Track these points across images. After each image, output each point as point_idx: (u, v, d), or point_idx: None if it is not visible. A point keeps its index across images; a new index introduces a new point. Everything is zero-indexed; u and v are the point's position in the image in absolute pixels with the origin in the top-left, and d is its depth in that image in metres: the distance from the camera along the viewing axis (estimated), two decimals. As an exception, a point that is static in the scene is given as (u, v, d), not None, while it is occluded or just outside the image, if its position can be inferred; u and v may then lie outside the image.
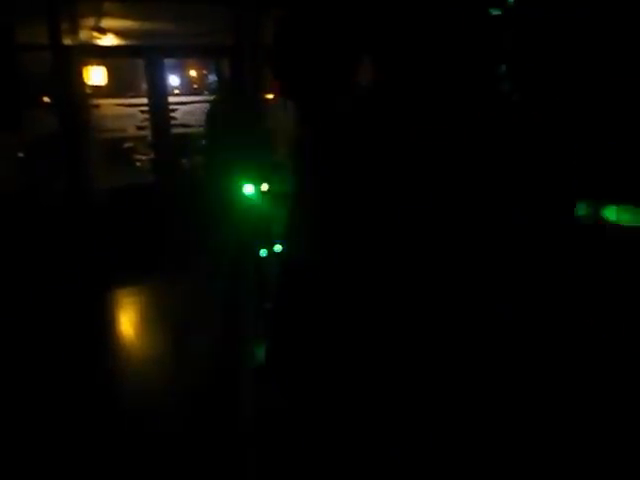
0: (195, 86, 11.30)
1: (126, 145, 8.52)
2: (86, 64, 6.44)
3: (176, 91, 9.35)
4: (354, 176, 1.48)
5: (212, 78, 9.01)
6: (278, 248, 4.62)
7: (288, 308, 1.62)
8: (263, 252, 4.61)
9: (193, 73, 11.52)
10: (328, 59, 1.53)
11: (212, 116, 6.91)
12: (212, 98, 7.18)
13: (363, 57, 1.61)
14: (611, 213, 2.90)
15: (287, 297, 1.63)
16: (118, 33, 6.83)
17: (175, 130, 7.10)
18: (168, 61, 7.42)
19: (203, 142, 7.40)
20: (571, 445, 2.34)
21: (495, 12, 2.96)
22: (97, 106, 6.79)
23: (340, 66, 1.55)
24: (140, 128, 7.34)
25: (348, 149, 1.49)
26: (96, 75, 6.87)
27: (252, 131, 6.61)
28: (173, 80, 9.58)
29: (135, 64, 8.43)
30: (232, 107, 7.00)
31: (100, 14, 6.27)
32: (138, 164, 8.42)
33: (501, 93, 2.96)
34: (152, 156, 7.70)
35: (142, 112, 7.13)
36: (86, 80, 6.44)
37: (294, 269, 1.60)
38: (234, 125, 7.02)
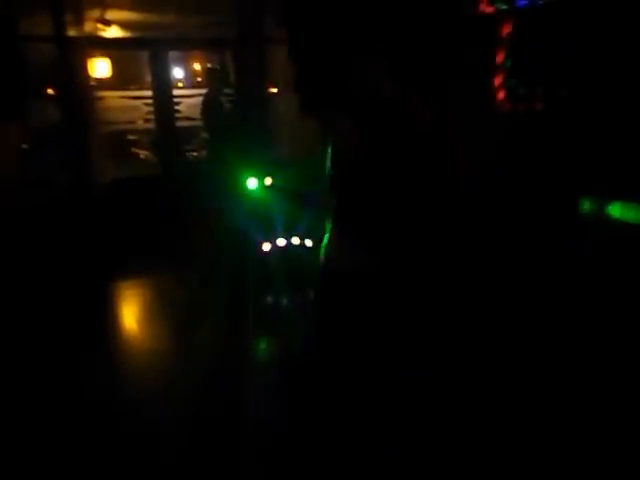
0: (199, 79, 11.28)
1: (130, 137, 8.52)
2: (90, 56, 6.43)
3: (180, 84, 9.33)
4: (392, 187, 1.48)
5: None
6: (281, 242, 4.62)
7: (330, 300, 1.67)
8: (266, 246, 4.61)
9: (197, 66, 11.49)
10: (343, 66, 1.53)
11: (207, 109, 6.97)
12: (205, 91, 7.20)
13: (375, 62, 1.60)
14: (615, 210, 2.89)
15: (329, 293, 1.69)
16: (122, 25, 6.81)
17: (179, 123, 7.10)
18: (172, 54, 7.41)
19: (205, 135, 7.45)
20: (565, 440, 2.35)
21: (502, 7, 2.95)
22: (101, 98, 6.79)
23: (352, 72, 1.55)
24: (144, 121, 7.34)
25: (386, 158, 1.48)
26: (100, 67, 6.87)
27: (252, 125, 6.63)
28: (177, 73, 9.56)
29: (139, 56, 8.42)
30: (228, 100, 7.06)
31: (104, 6, 6.26)
32: (142, 156, 8.43)
33: (505, 89, 2.94)
34: (156, 148, 7.70)
35: (146, 105, 7.13)
36: (90, 72, 6.43)
37: (337, 275, 1.65)
38: (234, 119, 7.07)
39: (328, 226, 1.74)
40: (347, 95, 1.51)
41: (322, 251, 1.78)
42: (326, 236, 1.75)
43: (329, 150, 1.71)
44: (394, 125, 1.50)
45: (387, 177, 1.52)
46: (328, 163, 1.73)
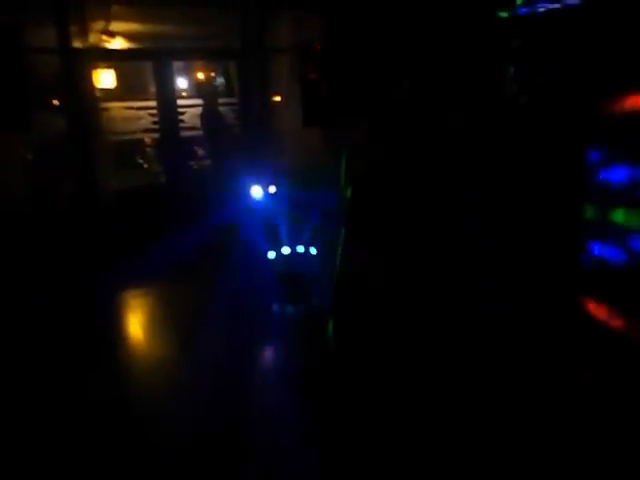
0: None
1: (134, 147, 8.55)
2: (95, 67, 6.49)
3: (184, 94, 9.38)
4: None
5: (220, 81, 9.05)
6: (286, 250, 4.63)
7: (347, 307, 1.73)
8: (271, 254, 4.63)
9: (201, 76, 11.55)
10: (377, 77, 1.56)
11: (205, 121, 7.11)
12: (203, 102, 7.33)
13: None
14: (619, 216, 2.89)
15: (345, 300, 1.73)
16: (127, 36, 6.87)
17: (183, 132, 7.14)
18: (176, 64, 7.46)
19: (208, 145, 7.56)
20: (565, 441, 2.33)
21: (503, 15, 2.97)
22: (106, 109, 6.83)
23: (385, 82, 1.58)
24: (148, 130, 7.38)
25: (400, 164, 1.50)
26: (105, 78, 6.92)
27: (255, 134, 6.69)
28: (181, 83, 9.61)
29: (144, 67, 8.47)
30: (230, 110, 7.19)
31: (109, 17, 6.32)
32: (146, 166, 8.46)
33: (508, 96, 2.96)
34: (160, 158, 7.74)
35: (151, 115, 7.17)
36: (95, 83, 6.48)
37: (349, 281, 1.70)
38: (235, 128, 7.16)
39: (342, 232, 1.76)
40: (373, 102, 1.53)
41: (338, 257, 1.80)
42: (341, 242, 1.77)
43: (344, 158, 1.73)
44: (410, 131, 1.52)
45: (400, 182, 1.53)
46: (343, 171, 1.74)
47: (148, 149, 8.49)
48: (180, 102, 7.27)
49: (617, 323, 2.57)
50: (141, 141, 8.34)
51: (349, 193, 1.68)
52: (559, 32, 2.87)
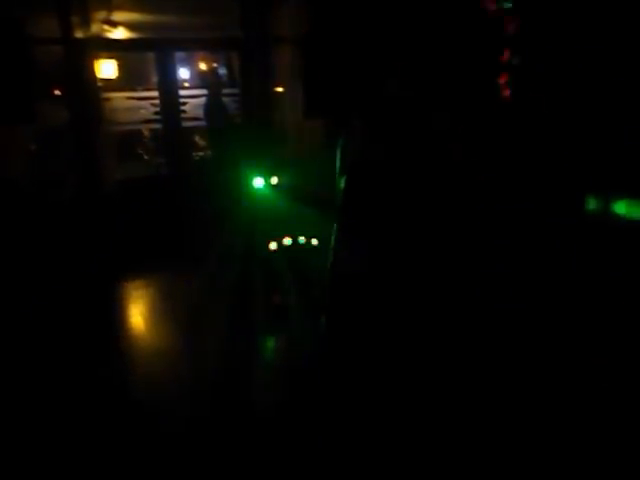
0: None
1: (136, 138, 8.55)
2: (97, 57, 6.47)
3: (186, 84, 9.35)
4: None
5: (222, 71, 9.02)
6: (287, 241, 4.64)
7: (340, 303, 1.72)
8: (273, 245, 4.63)
9: (203, 66, 11.51)
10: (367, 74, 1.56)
11: (209, 112, 7.09)
12: (208, 92, 7.33)
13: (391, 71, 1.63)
14: (621, 207, 2.89)
15: (338, 296, 1.73)
16: (129, 26, 6.84)
17: (185, 123, 7.13)
18: (178, 54, 7.44)
19: (210, 136, 7.55)
20: (567, 441, 2.34)
21: (506, 5, 2.95)
22: (108, 99, 6.82)
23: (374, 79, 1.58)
24: (150, 121, 7.37)
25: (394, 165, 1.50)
26: (107, 68, 6.90)
27: (257, 125, 6.68)
28: (183, 73, 9.58)
29: (146, 57, 8.44)
30: (232, 101, 7.17)
31: (111, 7, 6.29)
32: (148, 157, 8.46)
33: (511, 86, 2.94)
34: (162, 149, 7.73)
35: (152, 105, 7.16)
36: (97, 73, 6.47)
37: (342, 275, 1.69)
38: (238, 119, 7.16)
39: (335, 226, 1.75)
40: (364, 98, 1.53)
41: (330, 251, 1.80)
42: (333, 236, 1.77)
43: (339, 150, 1.73)
44: (406, 129, 1.52)
45: (396, 179, 1.53)
46: (338, 163, 1.74)
47: (149, 140, 8.48)
48: (182, 92, 7.25)
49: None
50: (143, 131, 8.34)
51: (342, 185, 1.67)
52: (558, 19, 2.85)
